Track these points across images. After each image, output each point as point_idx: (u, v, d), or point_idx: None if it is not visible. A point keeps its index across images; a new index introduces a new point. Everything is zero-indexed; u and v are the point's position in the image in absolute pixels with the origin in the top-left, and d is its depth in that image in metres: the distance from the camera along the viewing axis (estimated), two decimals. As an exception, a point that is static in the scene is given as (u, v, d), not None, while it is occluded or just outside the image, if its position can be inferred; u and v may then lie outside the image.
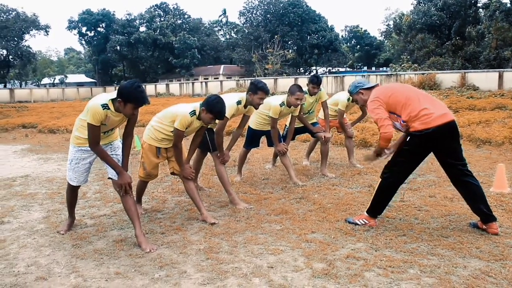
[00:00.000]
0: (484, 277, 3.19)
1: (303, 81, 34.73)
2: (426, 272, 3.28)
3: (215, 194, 5.72)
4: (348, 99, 7.04)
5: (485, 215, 4.03)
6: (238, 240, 4.02)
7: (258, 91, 5.11)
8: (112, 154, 4.10)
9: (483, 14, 37.93)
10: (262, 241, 3.98)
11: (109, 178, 4.18)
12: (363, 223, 4.30)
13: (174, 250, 3.84)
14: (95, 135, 3.82)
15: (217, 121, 4.85)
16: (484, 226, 4.07)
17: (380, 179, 4.25)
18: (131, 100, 3.65)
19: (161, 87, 46.43)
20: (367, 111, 4.22)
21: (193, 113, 4.45)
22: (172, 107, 4.73)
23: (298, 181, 6.15)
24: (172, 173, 4.92)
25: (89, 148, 4.01)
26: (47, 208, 5.24)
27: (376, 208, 4.31)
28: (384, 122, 3.95)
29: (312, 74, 7.03)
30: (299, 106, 6.17)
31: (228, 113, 5.01)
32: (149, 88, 46.80)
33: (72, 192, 4.39)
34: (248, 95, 5.18)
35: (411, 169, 4.19)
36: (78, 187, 4.38)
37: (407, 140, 4.05)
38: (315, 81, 6.51)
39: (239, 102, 5.19)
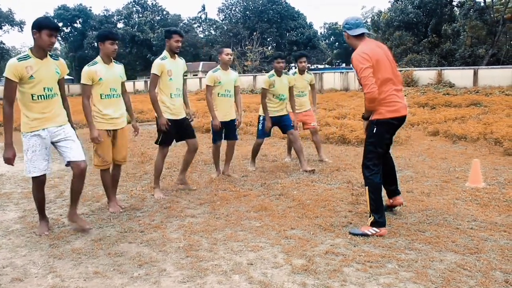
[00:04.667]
0: (459, 270, 3.26)
1: (282, 78, 34.82)
2: (403, 267, 3.34)
3: (194, 191, 5.69)
4: (294, 73, 7.48)
5: (393, 191, 4.58)
6: (217, 237, 4.02)
7: (172, 34, 5.31)
8: (67, 139, 4.15)
9: (458, 13, 38.59)
10: (241, 238, 3.99)
11: (67, 164, 4.21)
12: (374, 232, 3.96)
13: (153, 248, 3.82)
14: (10, 92, 3.89)
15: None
16: (390, 201, 4.58)
17: (367, 182, 4.13)
18: (44, 25, 3.87)
19: (139, 84, 45.97)
20: (353, 63, 4.03)
21: (92, 63, 4.71)
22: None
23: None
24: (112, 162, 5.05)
25: (42, 132, 4.03)
26: (23, 208, 5.14)
27: (379, 207, 4.07)
28: (368, 81, 3.88)
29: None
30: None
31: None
32: (127, 85, 46.18)
33: (38, 187, 4.21)
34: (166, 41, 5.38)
35: (382, 155, 4.27)
36: (44, 182, 4.23)
37: (373, 131, 4.08)
38: (278, 55, 6.87)
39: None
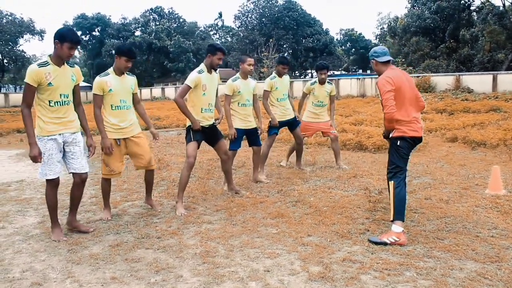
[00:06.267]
0: (480, 279, 3.20)
1: (298, 85, 34.88)
2: (422, 275, 3.29)
3: (211, 198, 5.71)
4: (314, 83, 7.50)
5: None
6: (234, 244, 4.02)
7: (217, 51, 5.26)
8: (75, 150, 4.30)
9: (476, 17, 38.17)
10: (258, 245, 3.98)
11: (70, 172, 4.34)
12: (393, 241, 3.92)
13: (170, 254, 3.83)
14: (29, 96, 4.04)
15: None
16: None
17: (393, 188, 4.13)
18: (67, 38, 4.02)
19: (156, 91, 46.37)
20: (378, 86, 4.26)
21: (104, 74, 4.75)
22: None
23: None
24: (137, 169, 5.17)
25: (59, 137, 4.17)
26: (43, 213, 5.20)
27: (401, 211, 4.10)
28: (388, 103, 4.11)
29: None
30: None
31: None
32: (145, 92, 46.78)
33: (53, 190, 4.28)
34: (207, 57, 5.31)
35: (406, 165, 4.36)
36: (58, 184, 4.31)
37: (397, 143, 4.22)
38: (285, 62, 7.03)
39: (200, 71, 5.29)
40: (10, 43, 52.67)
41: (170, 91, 44.67)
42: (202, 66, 5.34)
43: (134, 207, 5.44)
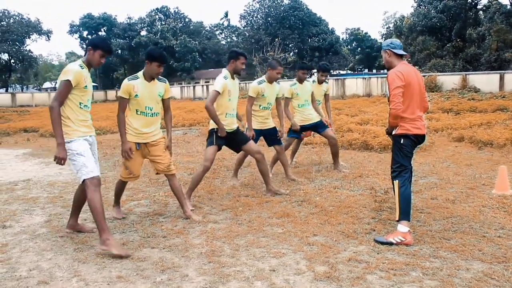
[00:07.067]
0: (487, 279, 3.18)
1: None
2: (428, 275, 3.28)
3: (217, 197, 5.71)
4: (313, 82, 7.46)
5: None
6: (240, 243, 4.02)
7: (239, 56, 5.36)
8: (94, 153, 4.26)
9: (483, 16, 37.98)
10: (264, 244, 3.98)
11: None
12: (399, 241, 3.90)
13: (176, 253, 3.84)
14: (65, 94, 3.98)
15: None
16: None
17: (398, 188, 4.11)
18: (99, 46, 4.12)
19: (162, 90, 46.39)
20: (388, 79, 4.20)
21: (133, 77, 4.65)
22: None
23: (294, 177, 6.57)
24: (157, 174, 5.03)
25: (89, 138, 4.17)
26: (49, 212, 5.23)
27: (407, 211, 4.10)
28: (395, 99, 4.07)
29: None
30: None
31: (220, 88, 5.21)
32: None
33: (97, 193, 3.96)
34: (230, 63, 5.38)
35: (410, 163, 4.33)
36: (100, 185, 4.10)
37: (401, 142, 4.19)
38: (305, 67, 7.11)
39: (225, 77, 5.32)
40: (17, 43, 52.99)
41: (176, 90, 44.78)
42: (225, 72, 5.36)
43: (140, 206, 5.45)
